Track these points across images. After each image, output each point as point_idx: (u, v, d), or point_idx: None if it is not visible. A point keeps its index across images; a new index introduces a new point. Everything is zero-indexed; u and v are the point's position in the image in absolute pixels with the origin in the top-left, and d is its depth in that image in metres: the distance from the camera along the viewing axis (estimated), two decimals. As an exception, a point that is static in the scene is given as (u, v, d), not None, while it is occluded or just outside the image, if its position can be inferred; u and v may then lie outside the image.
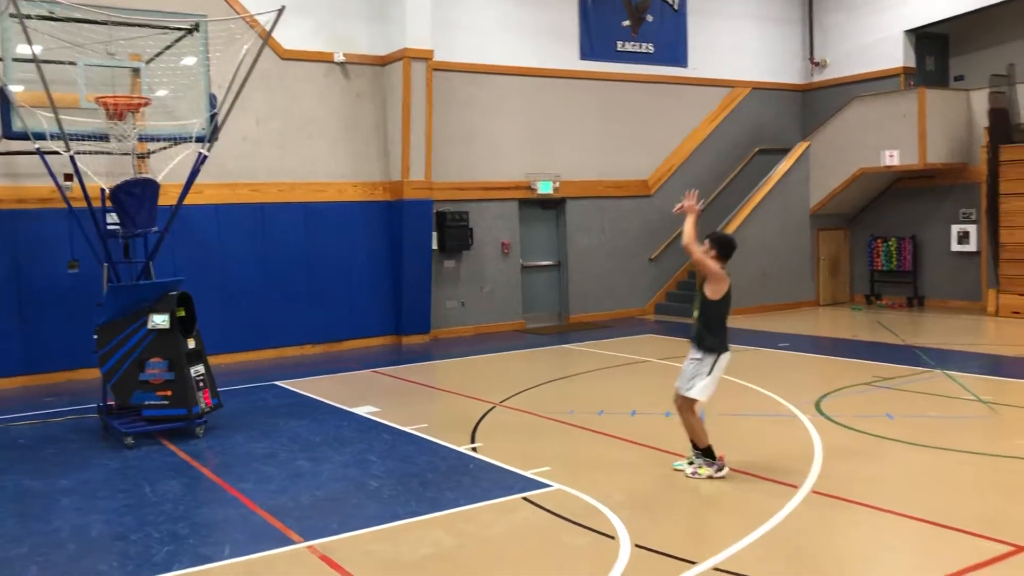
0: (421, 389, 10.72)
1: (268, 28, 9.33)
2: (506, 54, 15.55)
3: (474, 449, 7.61)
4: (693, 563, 4.89)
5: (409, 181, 14.10)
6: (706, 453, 6.61)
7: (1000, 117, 15.17)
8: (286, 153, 13.63)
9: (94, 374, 12.01)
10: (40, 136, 8.68)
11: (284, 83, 13.53)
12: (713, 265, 6.50)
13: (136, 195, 8.50)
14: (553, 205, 16.50)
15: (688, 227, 6.65)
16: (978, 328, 14.03)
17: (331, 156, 14.04)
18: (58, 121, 8.18)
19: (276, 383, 11.22)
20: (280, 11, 9.07)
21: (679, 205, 6.89)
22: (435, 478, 6.80)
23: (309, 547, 5.41)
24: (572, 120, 16.34)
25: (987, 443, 7.29)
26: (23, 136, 8.75)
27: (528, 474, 6.75)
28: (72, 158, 8.41)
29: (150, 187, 8.66)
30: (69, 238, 12.04)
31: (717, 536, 5.29)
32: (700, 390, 6.55)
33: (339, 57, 13.94)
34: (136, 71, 11.86)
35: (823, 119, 18.15)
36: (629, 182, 17.10)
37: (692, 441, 6.67)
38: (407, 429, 8.42)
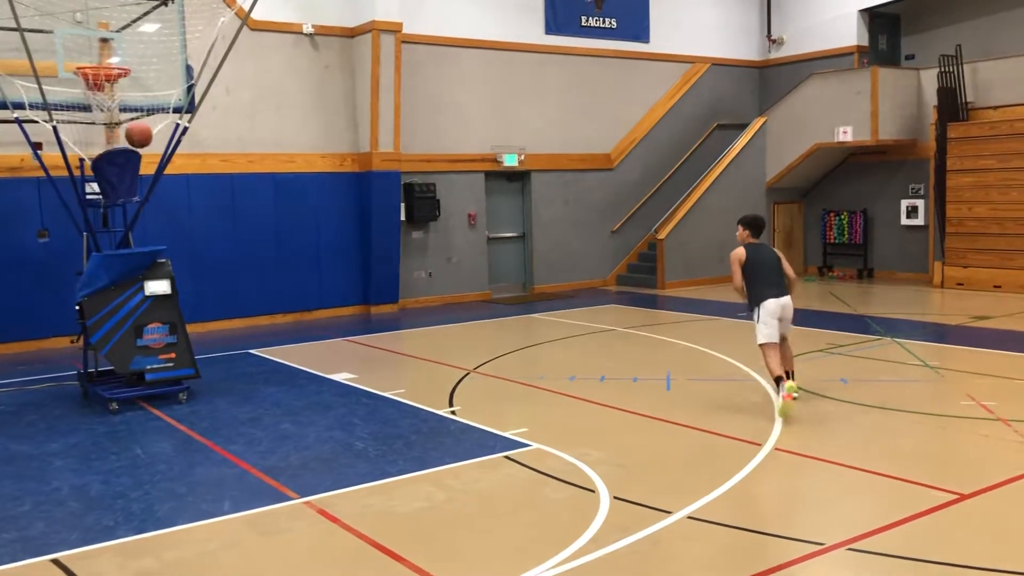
0: (395, 357, 11.00)
1: (248, 5, 9.40)
2: (473, 27, 15.74)
3: (453, 412, 7.94)
4: (669, 512, 5.28)
5: (378, 152, 14.28)
6: (777, 381, 7.57)
7: (948, 96, 15.75)
8: (256, 124, 13.71)
9: (64, 343, 12.15)
10: (19, 105, 8.73)
11: (254, 53, 13.57)
12: (735, 265, 7.90)
13: (119, 165, 8.62)
14: (518, 178, 16.78)
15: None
16: (925, 299, 14.67)
17: (300, 127, 14.15)
18: (42, 92, 8.25)
19: (250, 351, 11.42)
20: None
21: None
22: (418, 439, 7.12)
23: (306, 502, 5.70)
24: (537, 94, 16.60)
25: (933, 404, 7.80)
26: (2, 105, 8.78)
27: (507, 435, 7.10)
28: (55, 128, 8.48)
29: (132, 157, 8.78)
30: (39, 207, 12.06)
31: (689, 489, 5.68)
32: (759, 336, 7.84)
33: (308, 28, 14.01)
34: (105, 40, 11.93)
35: (780, 95, 18.64)
36: (592, 155, 17.43)
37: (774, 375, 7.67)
38: (386, 394, 8.72)
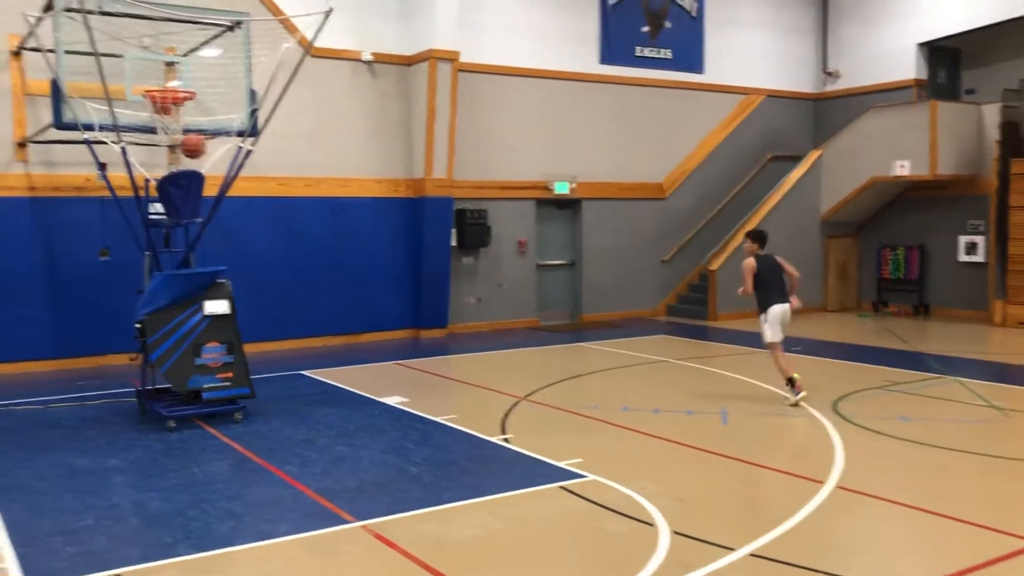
0: (445, 382, 11.00)
1: (313, 30, 9.56)
2: (527, 56, 15.84)
3: (506, 440, 7.90)
4: (731, 549, 5.18)
5: (432, 179, 14.39)
6: (790, 383, 9.10)
7: (1011, 131, 15.47)
8: (314, 148, 13.91)
9: (122, 359, 12.32)
10: (89, 127, 8.95)
11: (313, 79, 13.77)
12: (748, 274, 9.43)
13: (183, 186, 8.78)
14: (569, 205, 16.79)
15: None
16: (986, 337, 14.33)
17: (357, 152, 14.32)
18: (112, 114, 8.45)
19: (303, 372, 11.50)
20: (328, 13, 9.32)
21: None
22: (472, 466, 7.09)
23: (363, 526, 5.69)
24: (590, 123, 16.64)
25: (1000, 446, 7.58)
26: (73, 127, 9.02)
27: (561, 465, 7.03)
28: (123, 149, 8.68)
29: (196, 179, 8.94)
30: (101, 226, 12.31)
31: (752, 526, 5.57)
32: (766, 336, 9.49)
33: (367, 56, 14.21)
34: (171, 65, 12.20)
35: (835, 128, 18.47)
36: (644, 184, 17.39)
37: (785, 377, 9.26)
38: (438, 419, 8.71)
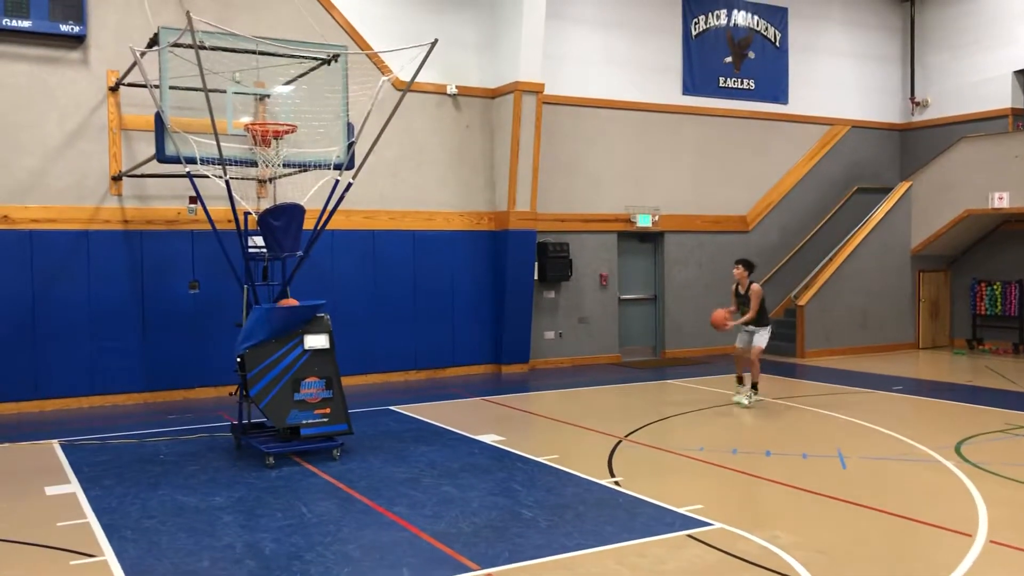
0: (537, 419, 10.72)
1: (412, 64, 9.49)
2: (610, 88, 15.67)
3: (616, 483, 7.58)
4: (893, 609, 4.79)
5: (515, 211, 14.23)
6: (754, 387, 11.35)
7: (1118, 161, 14.80)
8: (398, 181, 13.86)
9: (210, 393, 12.37)
10: (191, 160, 8.96)
11: (398, 113, 13.72)
12: (756, 302, 11.20)
13: (284, 220, 8.70)
14: (651, 238, 16.48)
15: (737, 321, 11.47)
16: (1098, 377, 13.60)
17: (440, 185, 14.24)
18: (219, 148, 8.43)
19: (390, 407, 11.33)
20: (433, 44, 9.26)
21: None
22: (587, 510, 6.78)
23: (487, 574, 5.42)
24: (673, 154, 16.37)
25: None
26: (175, 160, 9.03)
27: (681, 511, 6.69)
28: (227, 183, 8.64)
29: (297, 212, 8.87)
30: (191, 259, 12.37)
31: (905, 583, 5.18)
32: (763, 345, 11.36)
33: (451, 89, 14.17)
34: (262, 99, 12.26)
35: (923, 158, 17.94)
36: (727, 217, 17.03)
37: (754, 381, 11.37)
38: (540, 459, 8.42)
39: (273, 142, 9.31)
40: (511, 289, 14.32)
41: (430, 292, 14.06)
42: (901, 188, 17.40)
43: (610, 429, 9.85)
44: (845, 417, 10.50)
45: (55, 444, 9.41)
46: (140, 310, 12.08)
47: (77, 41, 11.68)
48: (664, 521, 6.47)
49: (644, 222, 15.98)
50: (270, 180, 11.09)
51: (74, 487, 7.64)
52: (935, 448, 8.68)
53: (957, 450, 8.61)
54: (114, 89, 11.87)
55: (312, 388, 8.65)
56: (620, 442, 9.21)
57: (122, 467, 8.35)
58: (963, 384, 13.08)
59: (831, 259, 16.85)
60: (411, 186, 14.00)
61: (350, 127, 9.91)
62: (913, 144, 18.95)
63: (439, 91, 14.15)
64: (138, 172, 11.51)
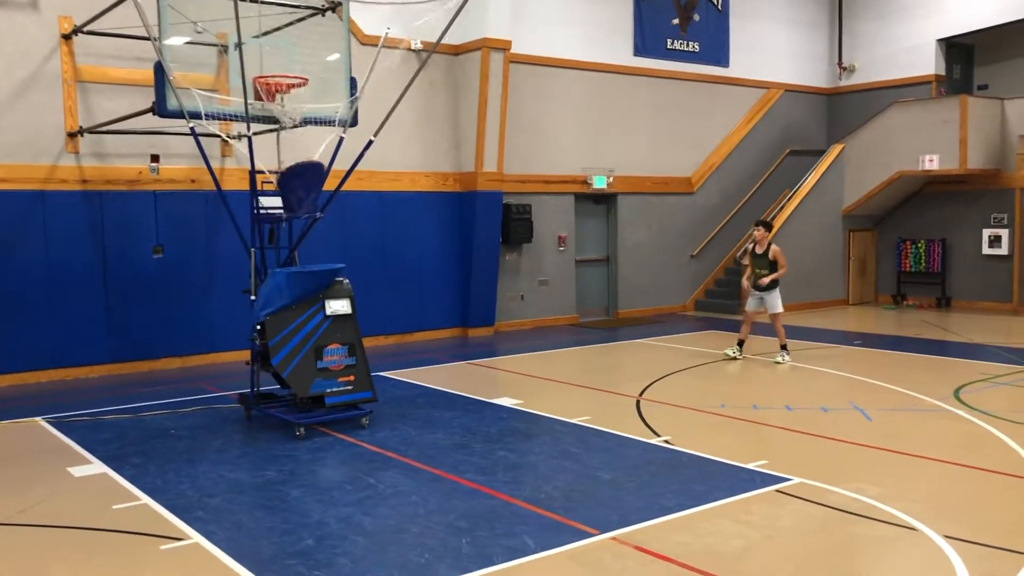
0: (539, 381, 10.63)
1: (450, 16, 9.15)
2: (567, 47, 15.55)
3: (667, 441, 7.62)
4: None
5: (483, 172, 13.99)
6: (784, 348, 11.51)
7: (1040, 126, 15.79)
8: (363, 141, 13.34)
9: (176, 363, 11.74)
10: (196, 115, 8.35)
11: (363, 68, 13.23)
12: (783, 257, 11.56)
13: (306, 179, 8.26)
14: (604, 200, 16.55)
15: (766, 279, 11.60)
16: (1029, 328, 14.57)
17: (405, 145, 13.84)
18: (246, 105, 7.91)
19: (379, 373, 11.01)
20: (464, 2, 8.92)
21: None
22: (660, 470, 6.79)
23: (613, 538, 5.36)
24: (626, 116, 16.43)
25: None
26: (178, 115, 8.39)
27: (751, 467, 6.80)
28: (249, 140, 8.12)
29: (318, 171, 8.43)
30: (155, 221, 11.63)
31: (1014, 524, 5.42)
32: (780, 307, 11.64)
33: (416, 44, 13.73)
34: (224, 51, 11.57)
35: (849, 122, 18.67)
36: (674, 179, 17.27)
37: (782, 343, 11.59)
38: (575, 421, 8.38)
39: (278, 97, 8.79)
40: (478, 251, 14.13)
41: (398, 255, 13.71)
42: (835, 150, 18.06)
43: (618, 389, 9.91)
44: (832, 371, 10.89)
45: (41, 422, 8.71)
46: (102, 277, 11.29)
47: (25, -17, 10.68)
48: (741, 478, 6.55)
49: (600, 184, 16.02)
50: (240, 138, 10.55)
51: (100, 467, 7.11)
52: (939, 399, 9.11)
53: (960, 400, 9.07)
54: (68, 37, 10.93)
55: (335, 355, 8.30)
56: (638, 402, 9.27)
57: (138, 443, 7.82)
58: (914, 337, 13.78)
59: (772, 219, 17.35)
60: (377, 145, 13.48)
61: (353, 82, 9.48)
62: (840, 108, 19.67)
63: (403, 47, 13.66)
64: (102, 129, 10.70)
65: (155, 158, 11.60)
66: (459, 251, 14.31)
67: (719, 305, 17.26)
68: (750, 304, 11.77)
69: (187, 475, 6.83)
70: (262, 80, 8.52)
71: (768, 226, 11.77)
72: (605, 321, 16.19)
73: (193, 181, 11.89)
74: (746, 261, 11.79)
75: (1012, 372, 10.59)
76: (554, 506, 5.96)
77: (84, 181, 11.15)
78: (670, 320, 16.24)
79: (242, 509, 6.03)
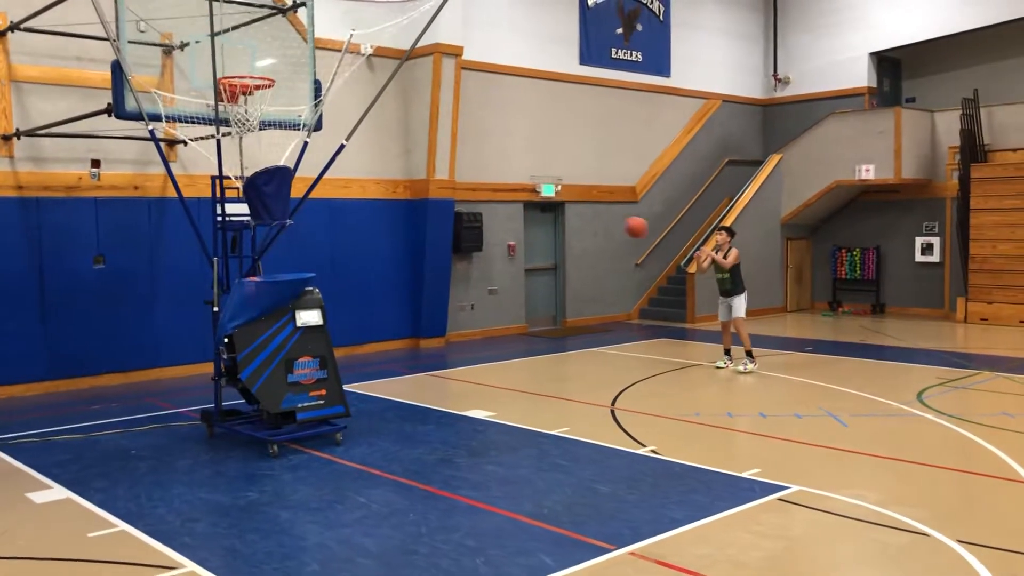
0: (510, 394, 10.40)
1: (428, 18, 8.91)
2: (515, 55, 15.44)
3: (654, 452, 7.52)
4: (1043, 555, 5.04)
5: (435, 180, 13.75)
6: (749, 354, 11.37)
7: (969, 138, 16.36)
8: (315, 147, 12.94)
9: (118, 379, 11.19)
10: (155, 117, 7.93)
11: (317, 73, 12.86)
12: (733, 258, 11.46)
13: (275, 183, 7.91)
14: (551, 208, 16.48)
15: (716, 257, 11.56)
16: (967, 334, 15.01)
17: (355, 152, 13.42)
18: (216, 109, 7.53)
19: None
20: (444, 3, 8.68)
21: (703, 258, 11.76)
22: (659, 482, 6.67)
23: (631, 553, 5.21)
24: (572, 124, 16.41)
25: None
26: (136, 116, 7.94)
27: (746, 475, 6.74)
28: (218, 143, 7.74)
29: (286, 176, 8.09)
30: (95, 230, 11.04)
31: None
32: (743, 312, 11.55)
33: (367, 49, 13.41)
34: (168, 52, 11.18)
35: (785, 133, 19.08)
36: (620, 187, 17.32)
37: (747, 349, 11.41)
38: (556, 433, 8.22)
39: (242, 99, 8.42)
40: (430, 261, 13.87)
41: (348, 264, 13.34)
42: (773, 160, 18.38)
43: (587, 399, 9.80)
44: (793, 378, 10.99)
45: (-17, 444, 8.12)
46: (38, 288, 10.64)
47: (-45, -24, 10.03)
48: (740, 487, 6.48)
49: (548, 192, 15.94)
50: (185, 143, 10.11)
51: (62, 491, 6.63)
52: (903, 403, 9.27)
53: (924, 403, 9.23)
54: (2, 34, 10.30)
55: (306, 368, 7.96)
56: (612, 411, 9.16)
57: (97, 465, 7.33)
58: (861, 343, 14.06)
59: (716, 227, 17.54)
60: (326, 152, 13.12)
61: (317, 84, 9.18)
62: (775, 119, 20.07)
63: (353, 50, 13.30)
64: (40, 132, 10.10)
65: (96, 163, 11.02)
66: (410, 260, 14.02)
67: (663, 313, 17.35)
68: (721, 314, 11.78)
69: (161, 498, 6.42)
70: (225, 81, 8.13)
71: (730, 231, 11.82)
72: (554, 330, 16.09)
73: (136, 188, 11.34)
74: (705, 264, 11.71)
75: (965, 376, 10.87)
76: (561, 521, 5.78)
77: (19, 187, 10.50)
78: (617, 329, 16.25)
79: (232, 533, 5.67)
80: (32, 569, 5.20)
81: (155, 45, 10.89)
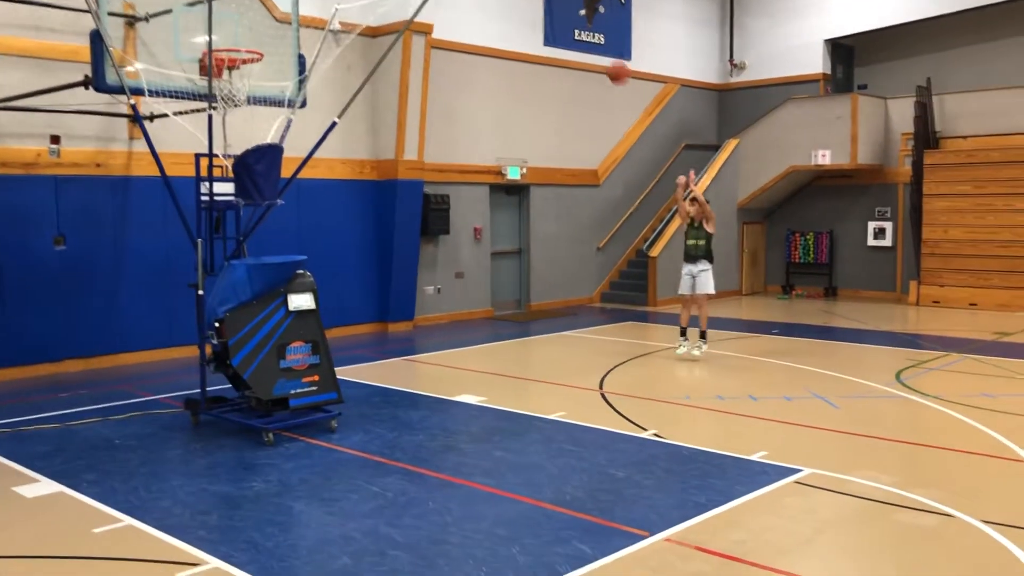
0: (493, 378, 10.28)
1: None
2: (482, 34, 15.21)
3: (657, 435, 7.49)
4: (1070, 534, 5.14)
5: (403, 161, 13.48)
6: (703, 336, 11.21)
7: (922, 124, 16.72)
8: (273, 123, 12.57)
9: (79, 366, 10.74)
10: (137, 91, 7.55)
11: (277, 49, 12.44)
12: (714, 221, 11.16)
13: (266, 162, 7.61)
14: (516, 191, 16.34)
15: (701, 199, 11.12)
16: (924, 316, 15.36)
17: (321, 131, 13.08)
18: (210, 82, 7.16)
19: (318, 373, 10.37)
20: None
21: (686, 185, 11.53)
22: (673, 467, 6.62)
23: (667, 539, 5.15)
24: (537, 105, 16.27)
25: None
26: (118, 90, 7.55)
27: (756, 459, 6.75)
28: (209, 118, 7.39)
29: (277, 154, 7.79)
30: (55, 209, 10.53)
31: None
32: (712, 289, 11.13)
33: (334, 25, 12.99)
34: (132, 23, 10.77)
35: (740, 118, 19.25)
36: (582, 171, 17.26)
37: (702, 330, 11.20)
38: (554, 417, 8.13)
39: (226, 74, 8.08)
40: (399, 243, 13.62)
41: (316, 246, 12.94)
42: (730, 145, 18.53)
43: (573, 382, 9.74)
44: (771, 360, 11.09)
45: (-49, 436, 7.67)
46: (-5, 271, 10.10)
47: (-94, -63, 9.39)
48: (754, 470, 6.48)
49: (514, 174, 15.79)
50: (152, 118, 9.69)
51: (51, 485, 6.28)
52: (885, 384, 9.42)
53: (905, 385, 9.40)
54: (-45, 0, 9.70)
55: (298, 354, 7.71)
56: (601, 395, 9.11)
57: (82, 457, 6.98)
58: (823, 326, 14.30)
59: (676, 213, 17.62)
60: (292, 129, 12.74)
61: (301, 59, 8.87)
62: (731, 104, 20.24)
63: (319, 26, 12.93)
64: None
65: (55, 139, 10.50)
66: (378, 243, 13.75)
67: (624, 296, 17.39)
68: (683, 286, 11.22)
69: (161, 490, 6.13)
70: (215, 54, 7.77)
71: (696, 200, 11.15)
72: (519, 314, 15.99)
73: (99, 165, 10.85)
74: (689, 201, 11.23)
75: (935, 358, 11.11)
76: (587, 507, 5.69)
77: (-25, 164, 9.94)
78: (581, 312, 16.23)
79: (248, 526, 5.43)
80: (39, 569, 4.89)
81: (119, 16, 10.39)
